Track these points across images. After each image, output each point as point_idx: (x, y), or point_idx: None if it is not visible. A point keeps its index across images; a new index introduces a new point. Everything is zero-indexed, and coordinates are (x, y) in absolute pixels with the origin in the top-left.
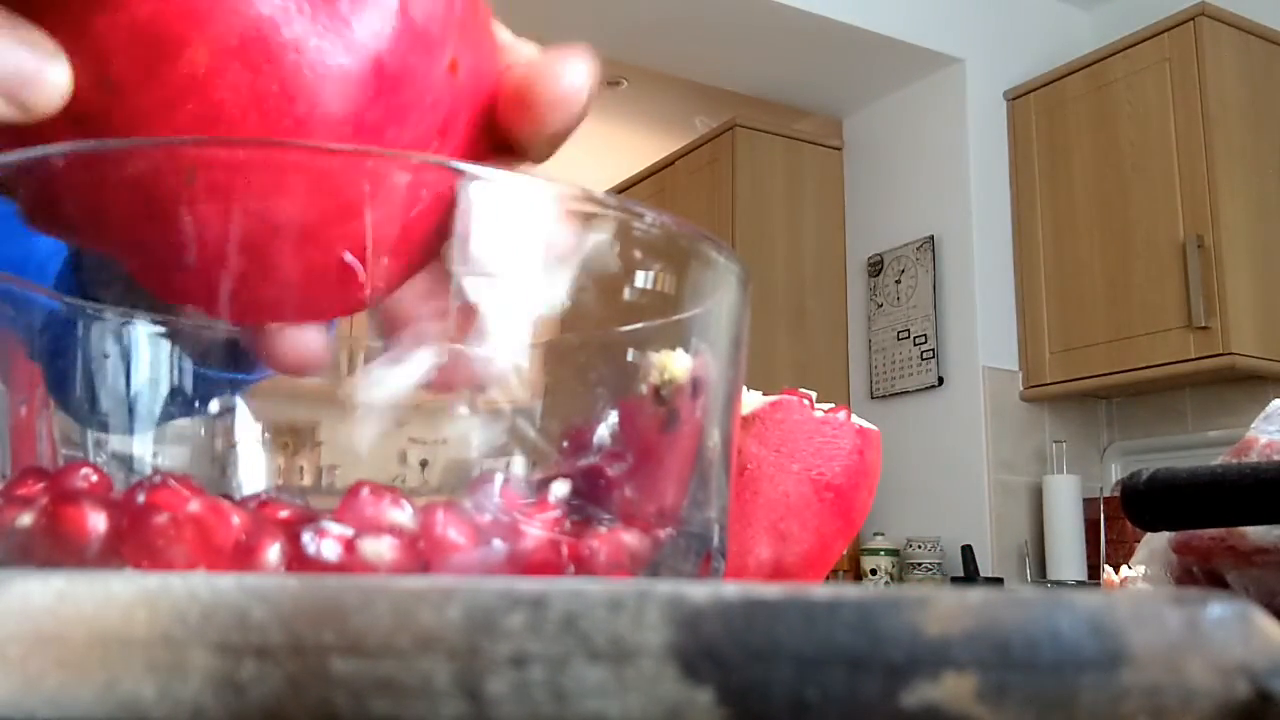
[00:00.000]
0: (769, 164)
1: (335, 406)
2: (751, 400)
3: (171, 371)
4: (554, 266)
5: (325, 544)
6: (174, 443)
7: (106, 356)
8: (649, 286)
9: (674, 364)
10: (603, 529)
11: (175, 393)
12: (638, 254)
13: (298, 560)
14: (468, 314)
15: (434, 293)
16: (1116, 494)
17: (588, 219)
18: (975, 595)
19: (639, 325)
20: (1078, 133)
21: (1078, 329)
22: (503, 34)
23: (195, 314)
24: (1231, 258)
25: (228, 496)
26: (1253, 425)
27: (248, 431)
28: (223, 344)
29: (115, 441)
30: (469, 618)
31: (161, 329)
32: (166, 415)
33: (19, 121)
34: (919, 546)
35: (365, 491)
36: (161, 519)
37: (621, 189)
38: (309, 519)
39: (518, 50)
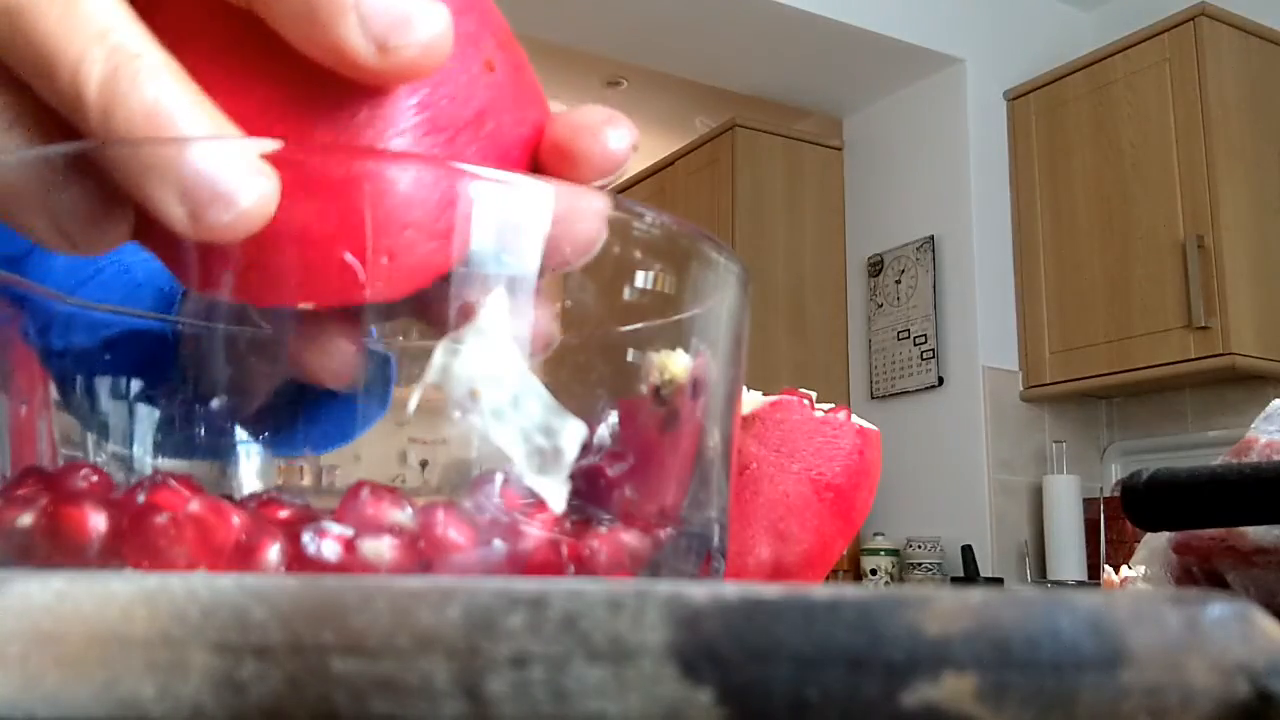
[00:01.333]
0: (769, 164)
1: None
2: (751, 400)
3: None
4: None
5: (325, 544)
6: (174, 443)
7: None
8: (649, 286)
9: (674, 364)
10: (603, 529)
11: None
12: (638, 254)
13: (298, 560)
14: (467, 313)
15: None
16: (1116, 494)
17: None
18: (975, 595)
19: (639, 325)
20: (1078, 133)
21: (1078, 329)
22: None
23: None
24: (1231, 258)
25: (228, 497)
26: (1253, 425)
27: (248, 431)
28: (268, 414)
29: (116, 441)
30: (469, 618)
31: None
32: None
33: (376, 68)
34: (919, 546)
35: (365, 491)
36: (161, 519)
37: (621, 189)
38: (309, 519)
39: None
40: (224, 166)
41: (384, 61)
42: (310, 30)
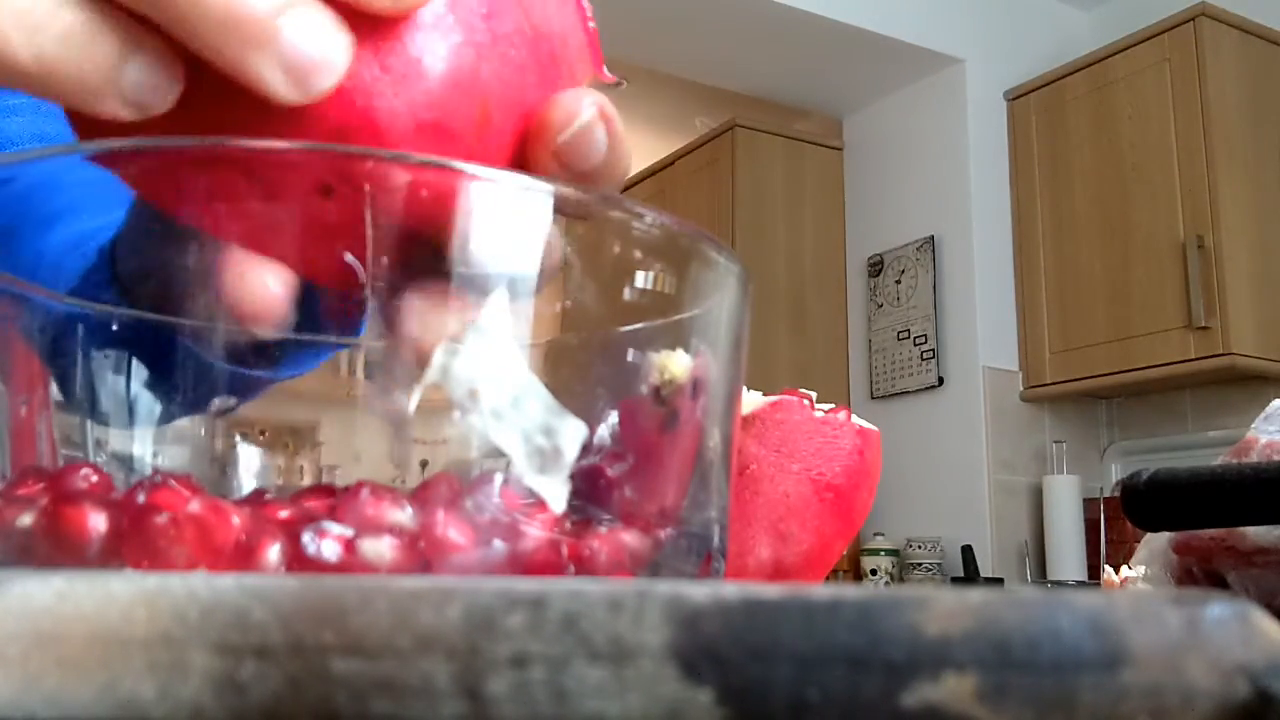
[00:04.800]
0: (769, 164)
1: (335, 406)
2: (751, 400)
3: (192, 371)
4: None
5: (325, 544)
6: (174, 443)
7: (109, 358)
8: (649, 286)
9: (674, 364)
10: (603, 529)
11: (196, 391)
12: (638, 254)
13: (298, 560)
14: (467, 313)
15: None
16: (1116, 494)
17: (588, 218)
18: (975, 595)
19: (639, 325)
20: (1078, 133)
21: (1078, 329)
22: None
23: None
24: (1231, 258)
25: (227, 497)
26: (1253, 425)
27: (248, 431)
28: (251, 343)
29: (116, 441)
30: (469, 618)
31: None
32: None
33: (291, 103)
34: (919, 546)
35: (365, 492)
36: (161, 519)
37: (622, 189)
38: (309, 519)
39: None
40: (320, 34)
41: (301, 95)
42: (226, 60)
